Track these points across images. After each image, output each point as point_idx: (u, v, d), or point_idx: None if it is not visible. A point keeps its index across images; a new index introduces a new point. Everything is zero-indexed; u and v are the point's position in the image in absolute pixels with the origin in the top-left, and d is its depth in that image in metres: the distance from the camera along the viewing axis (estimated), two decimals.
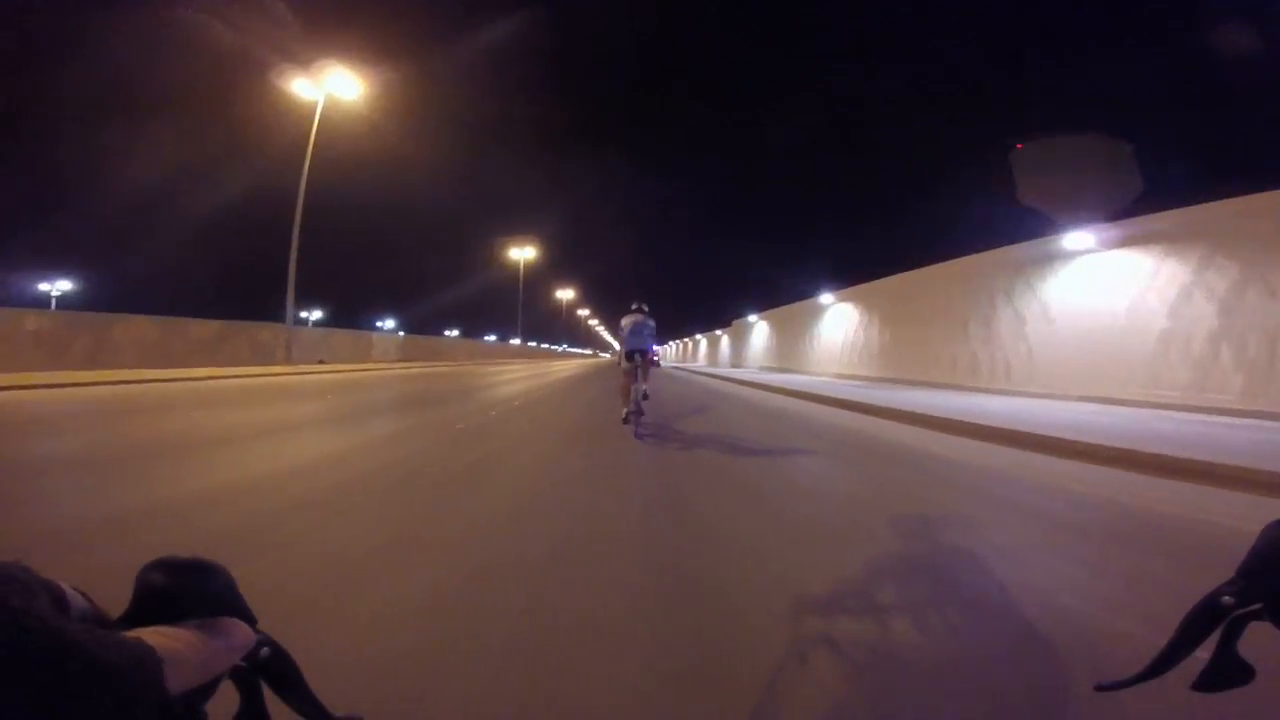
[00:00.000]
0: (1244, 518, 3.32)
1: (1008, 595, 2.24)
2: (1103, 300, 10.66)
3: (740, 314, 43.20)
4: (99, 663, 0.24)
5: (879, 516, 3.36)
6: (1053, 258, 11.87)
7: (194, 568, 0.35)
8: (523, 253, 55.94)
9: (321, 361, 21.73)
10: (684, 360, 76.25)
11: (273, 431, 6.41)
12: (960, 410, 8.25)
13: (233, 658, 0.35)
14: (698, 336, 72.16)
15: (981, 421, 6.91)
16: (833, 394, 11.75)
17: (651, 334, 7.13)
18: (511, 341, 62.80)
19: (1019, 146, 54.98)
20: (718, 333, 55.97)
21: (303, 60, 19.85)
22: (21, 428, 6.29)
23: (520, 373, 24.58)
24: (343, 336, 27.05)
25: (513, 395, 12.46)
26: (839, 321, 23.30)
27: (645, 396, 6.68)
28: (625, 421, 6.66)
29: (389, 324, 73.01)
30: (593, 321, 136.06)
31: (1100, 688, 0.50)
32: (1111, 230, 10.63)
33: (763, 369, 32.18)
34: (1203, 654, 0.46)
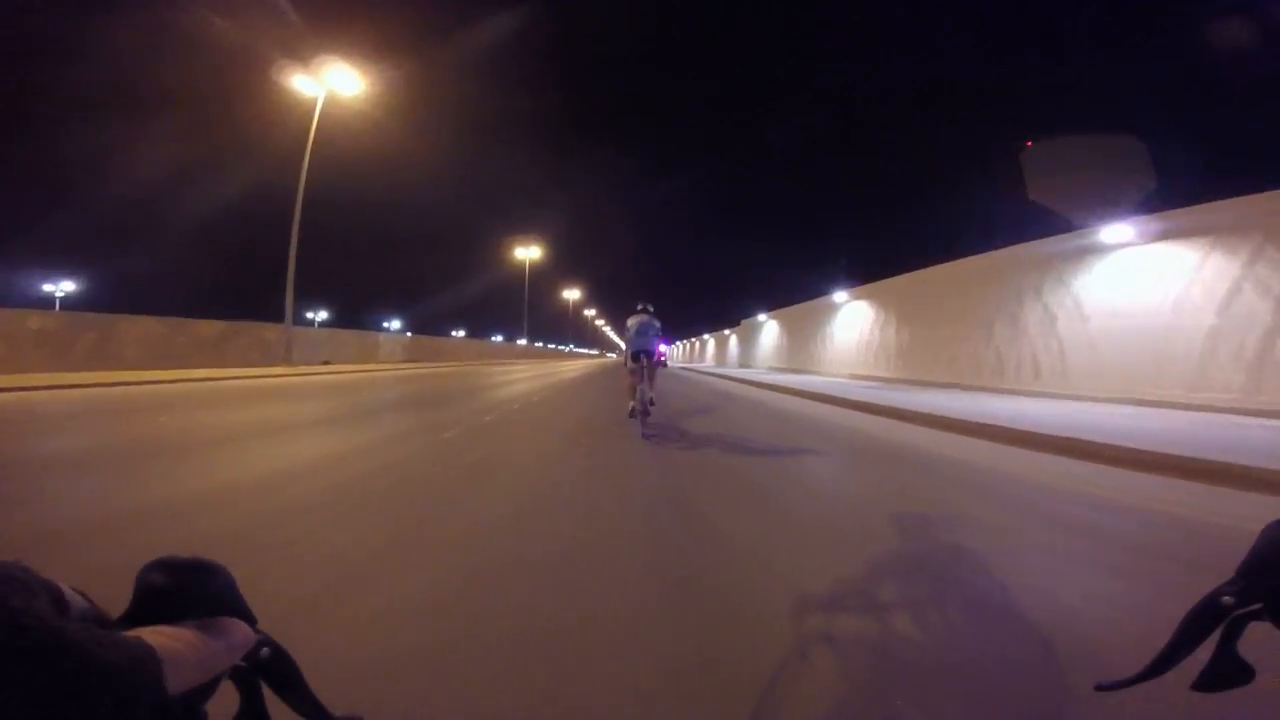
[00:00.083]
0: None
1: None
2: (1142, 296, 10.05)
3: (748, 313, 42.60)
4: (98, 662, 0.24)
5: (936, 543, 2.86)
6: (1086, 252, 11.26)
7: (194, 568, 0.35)
8: (528, 252, 55.56)
9: (326, 362, 21.43)
10: (691, 361, 75.68)
11: (265, 434, 6.14)
12: (998, 415, 7.69)
13: (233, 658, 0.35)
14: (705, 336, 71.56)
15: (1034, 429, 6.35)
16: (855, 397, 11.21)
17: (657, 334, 7.10)
18: (518, 342, 62.44)
19: (1028, 144, 54.23)
20: (725, 332, 55.35)
21: (308, 56, 19.53)
22: (24, 429, 6.34)
23: (525, 373, 24.22)
24: (348, 337, 26.89)
25: (514, 397, 12.04)
26: (853, 320, 22.69)
27: (651, 403, 6.65)
28: (631, 415, 6.66)
29: (395, 324, 73.00)
30: (599, 322, 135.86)
31: (1100, 687, 0.49)
32: (1152, 223, 10.02)
33: (772, 369, 31.59)
34: (1203, 654, 0.46)
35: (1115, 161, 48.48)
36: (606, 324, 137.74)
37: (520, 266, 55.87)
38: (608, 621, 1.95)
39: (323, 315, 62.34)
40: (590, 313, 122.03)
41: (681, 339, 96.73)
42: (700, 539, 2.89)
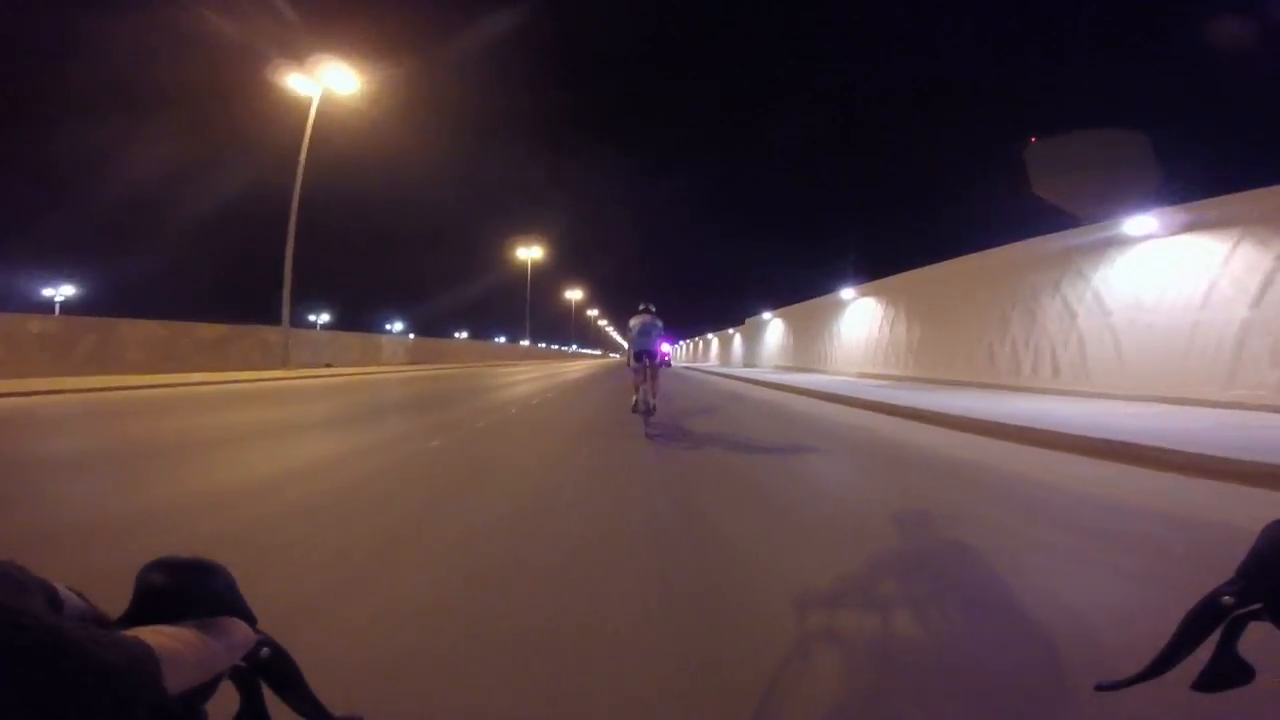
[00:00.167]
0: None
1: None
2: (1168, 290, 9.68)
3: (752, 312, 42.23)
4: (96, 662, 0.24)
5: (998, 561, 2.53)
6: (1107, 245, 10.88)
7: (194, 568, 0.35)
8: (530, 252, 55.26)
9: (328, 365, 21.21)
10: (695, 360, 75.31)
11: (251, 439, 5.91)
12: (1029, 416, 7.35)
13: (233, 658, 0.35)
14: (709, 335, 71.17)
15: (1085, 433, 6.01)
16: (869, 397, 10.87)
17: (660, 334, 7.11)
18: (520, 343, 62.18)
19: (1032, 140, 53.60)
20: (729, 331, 54.97)
21: (308, 55, 19.28)
22: (20, 433, 6.30)
23: (527, 375, 23.97)
24: (351, 339, 26.72)
25: (515, 400, 11.75)
26: (861, 318, 22.32)
27: (653, 409, 6.65)
28: (634, 410, 6.73)
29: (398, 326, 72.89)
30: (602, 322, 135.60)
31: (1100, 687, 0.49)
32: (1177, 214, 9.64)
33: (778, 368, 31.25)
34: (1203, 654, 0.46)
35: (1120, 156, 47.94)
36: (609, 324, 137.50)
37: (522, 267, 55.65)
38: (609, 623, 1.93)
39: (325, 318, 62.20)
40: (593, 313, 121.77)
41: (685, 338, 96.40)
42: (715, 564, 2.56)
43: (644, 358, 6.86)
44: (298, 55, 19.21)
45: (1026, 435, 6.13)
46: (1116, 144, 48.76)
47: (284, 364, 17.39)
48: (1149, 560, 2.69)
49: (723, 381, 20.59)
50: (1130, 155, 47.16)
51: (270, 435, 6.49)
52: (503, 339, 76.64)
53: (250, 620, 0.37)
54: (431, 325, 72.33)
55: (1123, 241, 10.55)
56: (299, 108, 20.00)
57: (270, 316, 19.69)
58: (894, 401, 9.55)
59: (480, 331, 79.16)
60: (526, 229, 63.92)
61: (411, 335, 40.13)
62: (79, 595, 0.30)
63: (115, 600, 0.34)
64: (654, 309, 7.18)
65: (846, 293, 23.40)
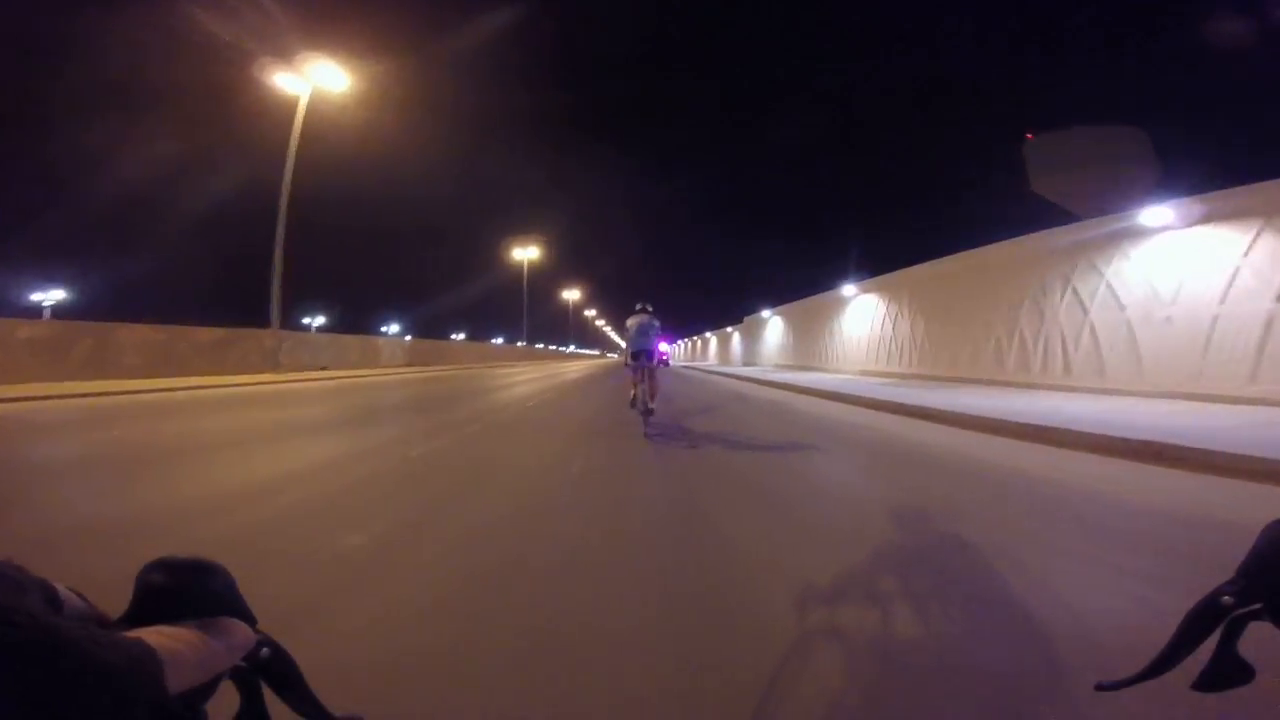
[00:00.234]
0: None
1: None
2: (1186, 283, 9.40)
3: (751, 310, 41.94)
4: (95, 661, 0.24)
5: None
6: (1120, 237, 10.60)
7: (194, 568, 0.35)
8: (526, 252, 54.87)
9: (324, 368, 20.88)
10: (694, 359, 75.02)
11: (234, 445, 5.60)
12: (1053, 415, 7.06)
13: (233, 658, 0.35)
14: (707, 334, 70.87)
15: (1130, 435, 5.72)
16: (878, 396, 10.59)
17: (657, 334, 7.08)
18: (518, 344, 61.80)
19: (1029, 136, 53.34)
20: (728, 330, 54.67)
21: (306, 54, 18.86)
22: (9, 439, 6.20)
23: (525, 375, 23.69)
24: (350, 341, 26.40)
25: (514, 400, 11.45)
26: (863, 314, 22.04)
27: (651, 412, 6.61)
28: (632, 405, 6.83)
29: (394, 328, 72.51)
30: (600, 322, 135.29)
31: (1100, 687, 0.49)
32: (1195, 205, 9.36)
33: (778, 367, 30.98)
34: (1203, 654, 0.46)
35: (1118, 152, 47.78)
36: (607, 324, 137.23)
37: (521, 268, 55.25)
38: (609, 623, 1.93)
39: (320, 320, 61.68)
40: (591, 313, 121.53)
41: (684, 337, 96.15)
42: (720, 569, 2.41)
43: (641, 357, 6.84)
44: (294, 53, 18.83)
45: (1052, 436, 5.83)
46: (1114, 140, 48.60)
47: (274, 367, 17.04)
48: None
49: (725, 381, 20.30)
50: (1128, 151, 47.02)
51: (263, 440, 6.18)
52: (500, 340, 76.29)
53: (250, 620, 0.37)
54: (430, 326, 71.82)
55: (1137, 233, 10.27)
56: (295, 107, 19.65)
57: (264, 319, 19.40)
58: (909, 401, 9.26)
59: (479, 332, 78.79)
60: (526, 229, 63.39)
61: (409, 337, 39.76)
62: (79, 595, 0.30)
63: (113, 606, 0.34)
64: (651, 308, 7.12)
65: (848, 289, 23.11)
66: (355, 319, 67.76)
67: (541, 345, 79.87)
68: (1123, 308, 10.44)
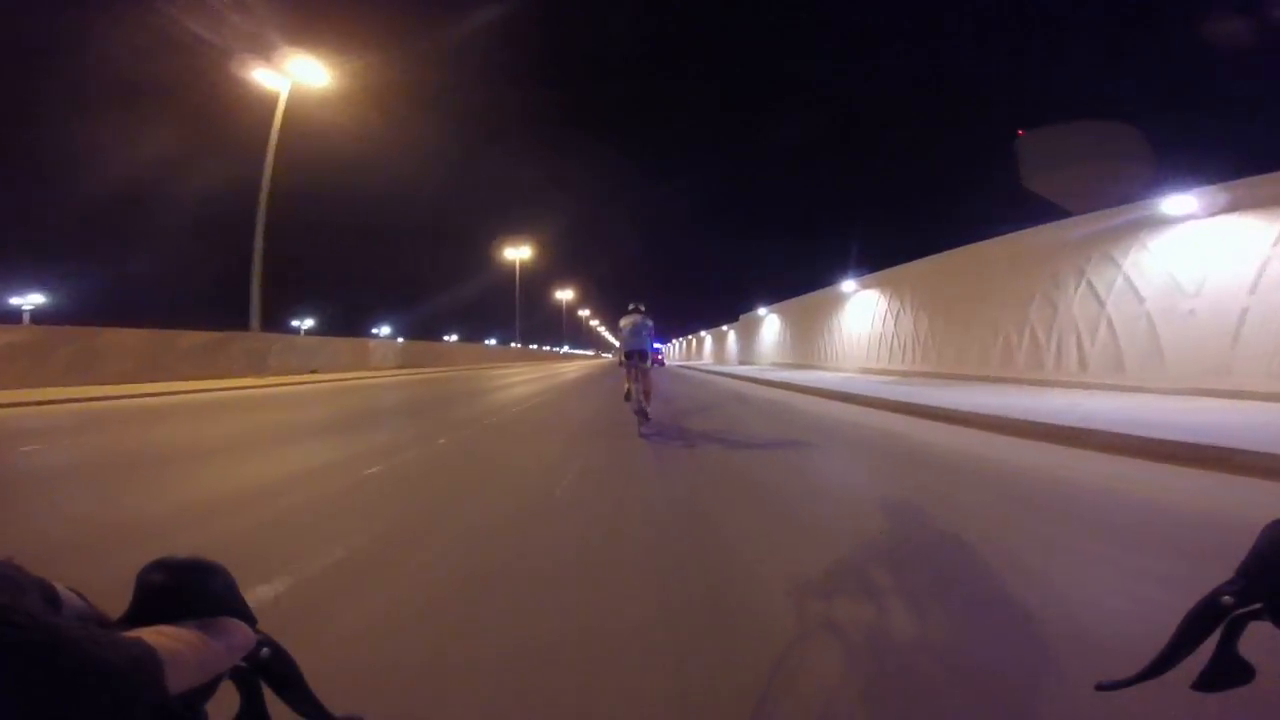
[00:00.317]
0: None
1: None
2: (1210, 274, 9.06)
3: (747, 308, 41.59)
4: (95, 661, 0.24)
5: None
6: (1138, 227, 10.26)
7: (194, 568, 0.35)
8: (519, 252, 54.27)
9: (314, 371, 20.32)
10: (689, 359, 74.68)
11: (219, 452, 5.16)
12: (1090, 416, 6.67)
13: (233, 658, 0.35)
14: (702, 333, 70.51)
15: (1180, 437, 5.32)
16: (885, 395, 10.18)
17: (650, 333, 7.08)
18: (511, 345, 61.19)
19: (1020, 133, 53.38)
20: (724, 328, 54.31)
21: (307, 52, 18.29)
22: None
23: (520, 376, 23.20)
24: (342, 344, 25.81)
25: (512, 401, 10.98)
26: (863, 311, 21.70)
27: (647, 415, 6.60)
28: (626, 398, 6.87)
29: (386, 330, 71.68)
30: (594, 322, 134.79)
31: (1100, 687, 0.49)
32: (1219, 193, 9.01)
33: (775, 365, 30.62)
34: (1203, 654, 0.46)
35: (1116, 149, 47.79)
36: (601, 324, 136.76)
37: (513, 268, 54.64)
38: (608, 624, 1.92)
39: (309, 323, 60.80)
40: (584, 313, 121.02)
41: (679, 337, 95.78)
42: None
43: (635, 357, 6.84)
44: (292, 52, 18.23)
45: (1081, 438, 5.44)
46: (1112, 136, 48.60)
47: (259, 371, 16.49)
48: None
49: (723, 381, 19.90)
50: (1126, 147, 46.99)
51: (249, 446, 5.70)
52: (493, 341, 75.62)
53: (250, 620, 0.37)
54: (423, 328, 71.23)
55: (1157, 223, 9.93)
56: (294, 106, 19.12)
57: (265, 321, 18.86)
58: (918, 400, 8.86)
59: (473, 334, 78.21)
60: (523, 229, 62.75)
61: (400, 339, 39.13)
62: (79, 595, 0.30)
63: (106, 609, 0.33)
64: (644, 308, 7.10)
65: (847, 285, 22.77)
66: (348, 321, 66.94)
67: (535, 346, 79.24)
68: (1142, 300, 10.10)
